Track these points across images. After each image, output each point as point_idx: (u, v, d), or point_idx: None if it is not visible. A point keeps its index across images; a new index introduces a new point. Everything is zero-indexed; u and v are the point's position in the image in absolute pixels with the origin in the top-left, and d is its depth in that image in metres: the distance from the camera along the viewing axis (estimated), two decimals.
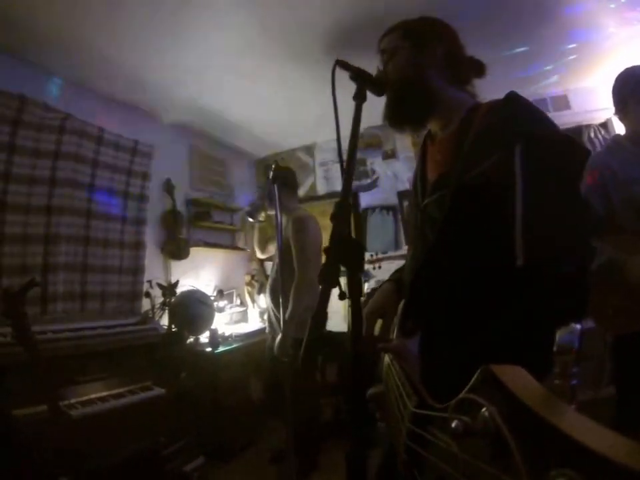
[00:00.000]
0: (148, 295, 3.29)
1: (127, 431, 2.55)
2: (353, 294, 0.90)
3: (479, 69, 1.19)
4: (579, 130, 3.53)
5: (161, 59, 2.91)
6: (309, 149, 4.59)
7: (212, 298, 3.73)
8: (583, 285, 0.82)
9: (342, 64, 1.06)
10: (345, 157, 1.00)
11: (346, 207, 0.94)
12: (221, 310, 3.84)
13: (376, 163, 4.22)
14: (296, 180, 3.09)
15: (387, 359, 1.03)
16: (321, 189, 4.55)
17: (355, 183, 4.03)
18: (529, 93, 3.31)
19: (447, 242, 0.99)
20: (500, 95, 1.02)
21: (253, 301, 4.40)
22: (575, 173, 0.90)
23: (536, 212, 0.84)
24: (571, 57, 3.18)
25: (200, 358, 3.35)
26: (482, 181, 0.91)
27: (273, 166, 2.43)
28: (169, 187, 3.70)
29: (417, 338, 0.97)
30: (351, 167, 0.98)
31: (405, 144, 4.09)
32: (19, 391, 2.13)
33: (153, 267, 3.53)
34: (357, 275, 0.92)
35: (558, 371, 0.42)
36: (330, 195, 4.42)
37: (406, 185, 4.04)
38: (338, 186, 4.27)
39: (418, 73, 1.13)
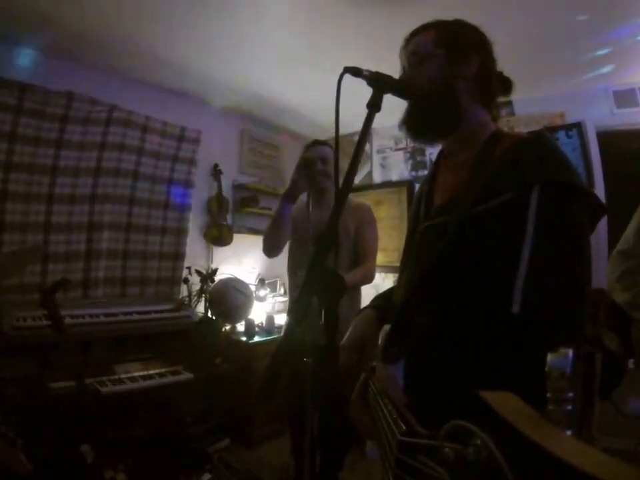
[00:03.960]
0: (186, 281, 3.64)
1: (153, 410, 2.97)
2: (329, 329, 0.94)
3: (507, 86, 1.21)
4: None
5: (207, 44, 3.10)
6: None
7: (253, 286, 4.01)
8: (576, 338, 0.87)
9: (353, 71, 1.00)
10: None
11: (331, 233, 0.94)
12: (261, 299, 4.11)
13: (435, 154, 4.15)
14: None
15: (372, 386, 1.05)
16: (377, 177, 4.62)
17: (412, 174, 4.08)
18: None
19: (443, 271, 1.01)
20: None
21: None
22: (588, 229, 0.94)
23: (542, 264, 0.86)
24: None
25: (235, 346, 3.68)
26: (491, 216, 0.93)
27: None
28: (216, 172, 3.99)
29: (400, 364, 1.01)
30: (347, 186, 0.96)
31: None
32: (60, 366, 2.60)
33: (195, 252, 3.88)
34: (333, 310, 0.95)
35: (551, 397, 0.43)
36: (387, 184, 4.48)
37: None
38: (394, 175, 4.42)
39: (450, 85, 1.12)
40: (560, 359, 0.44)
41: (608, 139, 3.37)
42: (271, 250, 2.50)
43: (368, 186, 4.63)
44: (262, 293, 4.12)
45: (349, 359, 1.20)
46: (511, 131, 1.14)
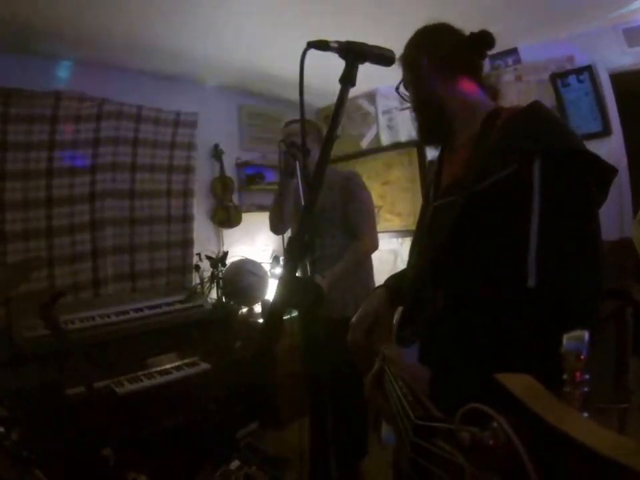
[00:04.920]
0: (197, 268, 3.66)
1: (173, 405, 3.04)
2: (310, 342, 0.96)
3: (484, 42, 1.17)
4: None
5: (189, 22, 2.99)
6: (371, 96, 4.47)
7: (268, 264, 4.00)
8: (593, 311, 0.88)
9: (318, 45, 0.97)
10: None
11: (302, 240, 0.91)
12: (277, 277, 4.10)
13: None
14: None
15: (387, 371, 1.06)
16: (385, 140, 4.45)
17: None
18: None
19: (454, 248, 1.03)
20: None
21: None
22: (596, 194, 0.94)
23: (552, 235, 0.87)
24: None
25: (253, 329, 3.71)
26: (496, 190, 0.95)
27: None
28: (216, 153, 3.93)
29: (414, 347, 1.05)
30: (319, 179, 0.95)
31: None
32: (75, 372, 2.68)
33: (204, 238, 3.89)
34: (313, 322, 0.95)
35: (567, 378, 0.43)
36: (395, 146, 4.32)
37: None
38: (402, 136, 4.26)
39: (427, 96, 1.19)
40: (576, 341, 0.43)
41: (622, 80, 3.17)
42: (276, 228, 2.64)
43: (375, 149, 4.49)
44: (277, 270, 4.10)
45: (355, 337, 1.24)
46: (508, 106, 1.13)
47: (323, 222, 2.57)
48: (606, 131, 3.20)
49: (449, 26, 1.20)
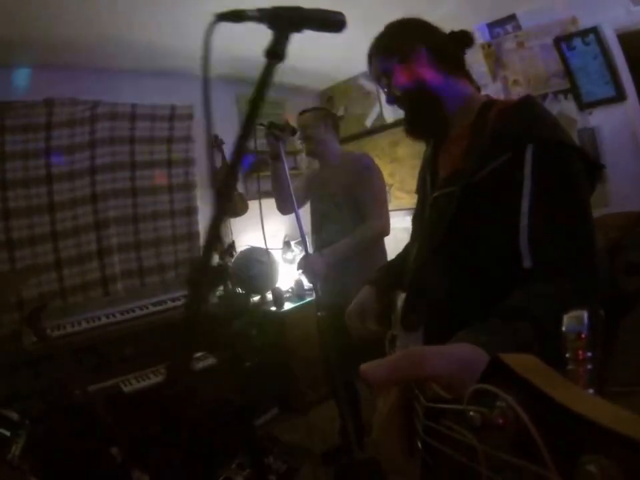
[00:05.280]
0: None
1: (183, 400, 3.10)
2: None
3: (464, 41, 1.23)
4: None
5: (173, 19, 3.00)
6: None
7: (279, 250, 4.01)
8: (591, 287, 0.89)
9: (230, 17, 0.87)
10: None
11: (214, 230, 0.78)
12: (290, 261, 4.10)
13: None
14: None
15: None
16: (389, 117, 4.30)
17: None
18: None
19: (455, 236, 1.07)
20: None
21: None
22: (584, 185, 0.97)
23: (542, 214, 0.91)
24: None
25: (267, 317, 3.76)
26: (491, 178, 1.00)
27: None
28: (217, 144, 3.92)
29: (419, 332, 1.10)
30: (238, 156, 0.81)
31: (476, 58, 3.59)
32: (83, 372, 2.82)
33: None
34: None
35: (570, 356, 0.45)
36: (399, 123, 4.11)
37: None
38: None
39: (420, 84, 1.17)
40: (575, 321, 0.45)
41: (630, 40, 2.90)
42: (280, 208, 2.80)
43: (380, 128, 4.36)
44: (289, 255, 4.11)
45: (351, 323, 1.41)
46: (501, 99, 1.20)
47: (333, 207, 2.61)
48: (620, 96, 2.96)
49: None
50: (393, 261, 1.56)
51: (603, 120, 3.07)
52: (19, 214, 3.09)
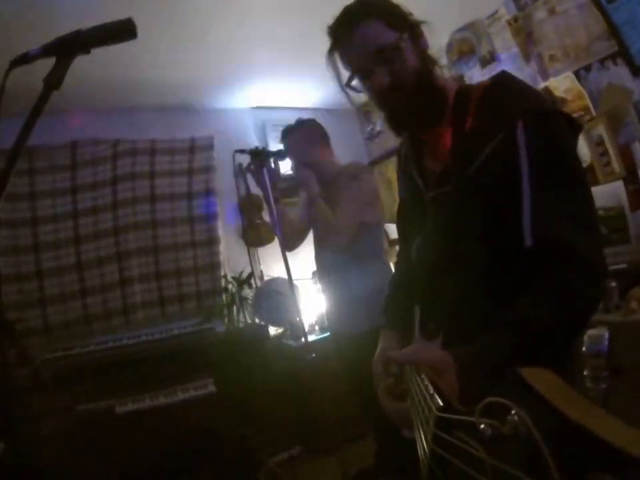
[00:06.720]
0: (226, 290, 3.77)
1: (186, 424, 3.14)
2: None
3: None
4: None
5: (184, 53, 3.19)
6: None
7: (309, 281, 3.90)
8: (600, 266, 0.88)
9: (23, 60, 0.86)
10: None
11: None
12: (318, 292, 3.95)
13: (475, 76, 3.38)
14: None
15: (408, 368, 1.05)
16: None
17: None
18: None
19: (463, 236, 1.03)
20: None
21: None
22: (577, 155, 0.99)
23: (542, 190, 0.90)
24: None
25: (284, 350, 3.67)
26: (487, 166, 0.96)
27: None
28: (241, 171, 3.96)
29: (438, 340, 1.04)
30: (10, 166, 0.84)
31: (504, 38, 3.12)
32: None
33: (237, 258, 3.94)
34: None
35: (589, 374, 0.54)
36: None
37: None
38: None
39: (429, 69, 1.09)
40: (596, 341, 0.51)
41: None
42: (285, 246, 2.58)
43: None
44: (318, 286, 3.97)
45: (377, 372, 1.25)
46: (473, 84, 1.13)
47: (320, 232, 2.45)
48: None
49: None
50: (394, 288, 1.43)
51: None
52: (47, 247, 3.45)
